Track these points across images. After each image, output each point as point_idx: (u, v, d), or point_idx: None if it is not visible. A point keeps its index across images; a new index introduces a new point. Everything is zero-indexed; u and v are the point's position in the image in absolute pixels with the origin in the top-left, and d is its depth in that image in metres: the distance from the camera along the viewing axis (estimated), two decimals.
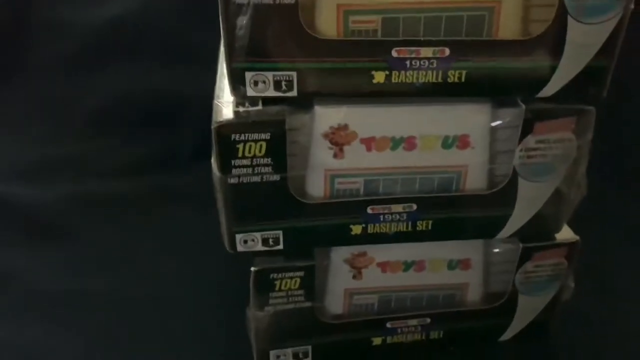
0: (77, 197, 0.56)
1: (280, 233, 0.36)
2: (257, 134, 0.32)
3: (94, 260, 0.50)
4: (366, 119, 0.34)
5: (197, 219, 0.54)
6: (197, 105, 0.66)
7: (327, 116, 0.34)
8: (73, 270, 0.49)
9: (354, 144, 0.34)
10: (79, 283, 0.47)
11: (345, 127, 0.34)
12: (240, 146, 0.32)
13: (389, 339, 0.40)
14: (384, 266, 0.39)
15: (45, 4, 0.67)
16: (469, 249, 0.39)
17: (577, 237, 0.38)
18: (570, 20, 0.30)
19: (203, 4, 0.61)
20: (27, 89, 0.66)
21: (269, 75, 0.32)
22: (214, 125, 0.32)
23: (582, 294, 0.42)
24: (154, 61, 0.65)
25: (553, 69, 0.32)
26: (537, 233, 0.37)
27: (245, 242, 0.36)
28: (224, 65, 0.32)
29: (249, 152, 0.33)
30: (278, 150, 0.33)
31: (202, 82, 0.54)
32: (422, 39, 0.31)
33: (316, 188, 0.35)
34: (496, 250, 0.39)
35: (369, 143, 0.34)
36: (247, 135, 0.32)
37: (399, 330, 0.40)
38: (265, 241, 0.36)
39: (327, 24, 0.31)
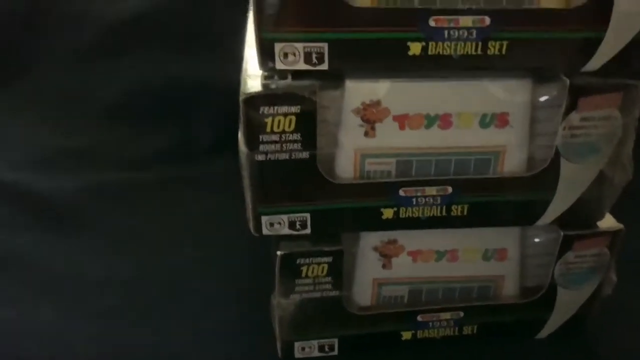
0: (93, 187, 0.55)
1: (307, 215, 0.34)
2: (286, 107, 0.31)
3: (109, 249, 0.48)
4: (400, 95, 0.32)
5: (215, 210, 0.52)
6: (216, 95, 0.65)
7: (358, 91, 0.32)
8: (87, 257, 0.47)
9: (386, 121, 0.33)
10: (93, 270, 0.46)
11: (378, 103, 0.32)
12: (269, 120, 0.31)
13: (419, 334, 0.38)
14: (415, 255, 0.37)
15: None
16: (506, 238, 0.37)
17: (621, 226, 0.36)
18: None
19: None
20: (45, 80, 0.66)
21: (300, 46, 0.30)
22: (241, 97, 0.30)
23: (625, 288, 0.39)
24: (172, 51, 0.65)
25: (598, 41, 0.30)
26: (578, 220, 0.35)
27: (272, 224, 0.34)
28: (252, 36, 0.31)
29: (278, 127, 0.31)
30: (308, 125, 0.31)
31: (221, 71, 0.53)
32: (462, 7, 0.30)
33: (346, 168, 0.34)
34: (535, 240, 0.37)
35: (402, 120, 0.33)
36: (276, 108, 0.31)
37: (430, 324, 0.38)
38: (292, 224, 0.34)
39: None
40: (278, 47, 0.31)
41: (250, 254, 0.45)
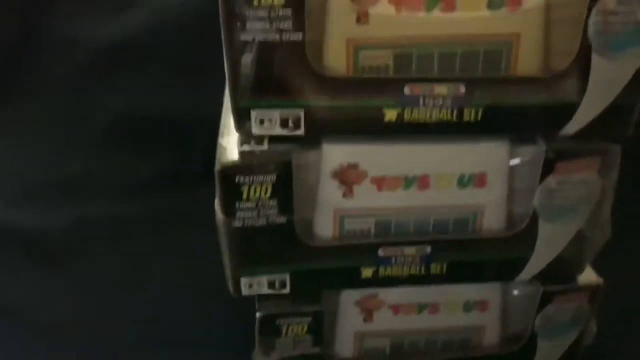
0: (82, 222, 0.55)
1: (287, 276, 0.34)
2: (262, 176, 0.30)
3: (98, 291, 0.48)
4: (377, 158, 0.32)
5: (207, 244, 0.51)
6: (207, 123, 0.65)
7: (336, 154, 0.32)
8: (75, 299, 0.47)
9: (365, 183, 0.33)
10: (81, 313, 0.46)
11: (355, 165, 0.32)
12: (245, 188, 0.31)
13: None
14: (396, 308, 0.37)
15: (55, 21, 0.66)
16: (487, 290, 0.37)
17: (601, 280, 0.36)
18: (594, 55, 0.29)
19: (213, 21, 0.60)
20: (33, 106, 0.64)
21: (276, 113, 0.30)
22: (217, 168, 0.30)
23: (607, 334, 0.39)
24: (163, 78, 0.64)
25: (576, 106, 0.30)
26: (558, 275, 0.35)
27: (251, 285, 0.34)
28: (229, 102, 0.31)
29: (254, 194, 0.31)
30: (284, 191, 0.31)
31: (213, 99, 0.52)
32: (437, 76, 0.30)
33: (325, 228, 0.34)
34: (515, 291, 0.37)
35: (380, 182, 0.33)
36: (252, 177, 0.30)
37: None
38: (271, 284, 0.34)
39: (337, 60, 0.30)
40: (254, 113, 0.30)
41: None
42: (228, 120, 0.33)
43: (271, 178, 0.31)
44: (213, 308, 0.45)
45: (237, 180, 0.30)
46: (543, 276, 0.35)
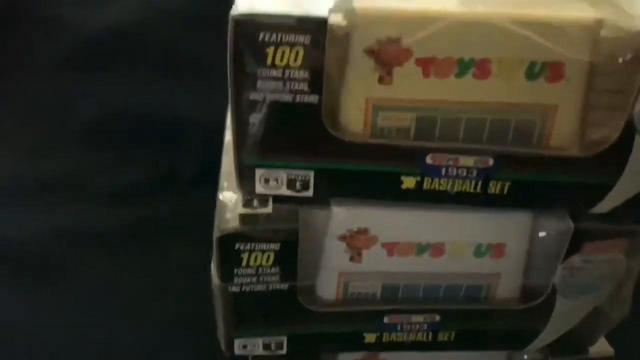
0: (65, 228, 0.51)
1: (284, 339, 0.32)
2: (265, 244, 0.28)
3: (79, 306, 0.44)
4: (390, 224, 0.29)
5: (194, 256, 0.47)
6: (199, 124, 0.61)
7: (345, 218, 0.29)
8: (54, 317, 0.44)
9: (374, 248, 0.30)
10: (61, 333, 0.42)
11: (366, 230, 0.30)
12: (245, 255, 0.28)
13: None
14: None
15: (42, 4, 0.62)
16: (491, 355, 0.35)
17: (612, 351, 0.34)
18: (637, 137, 0.26)
19: (207, 16, 0.56)
20: (12, 96, 0.60)
21: (282, 173, 0.28)
22: (216, 235, 0.27)
23: None
24: (154, 73, 0.60)
25: (609, 187, 0.28)
26: (569, 347, 0.34)
27: (245, 346, 0.32)
28: (230, 152, 0.28)
29: (255, 262, 0.28)
30: (288, 260, 0.28)
31: (206, 98, 0.49)
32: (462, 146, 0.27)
33: (327, 290, 0.31)
34: (522, 357, 0.35)
35: (390, 248, 0.30)
36: (253, 245, 0.28)
37: None
38: (266, 346, 0.32)
39: (353, 120, 0.27)
40: (259, 172, 0.28)
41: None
42: (229, 169, 0.30)
43: (274, 247, 0.28)
44: (200, 340, 0.41)
45: (237, 247, 0.28)
46: (553, 346, 0.34)
